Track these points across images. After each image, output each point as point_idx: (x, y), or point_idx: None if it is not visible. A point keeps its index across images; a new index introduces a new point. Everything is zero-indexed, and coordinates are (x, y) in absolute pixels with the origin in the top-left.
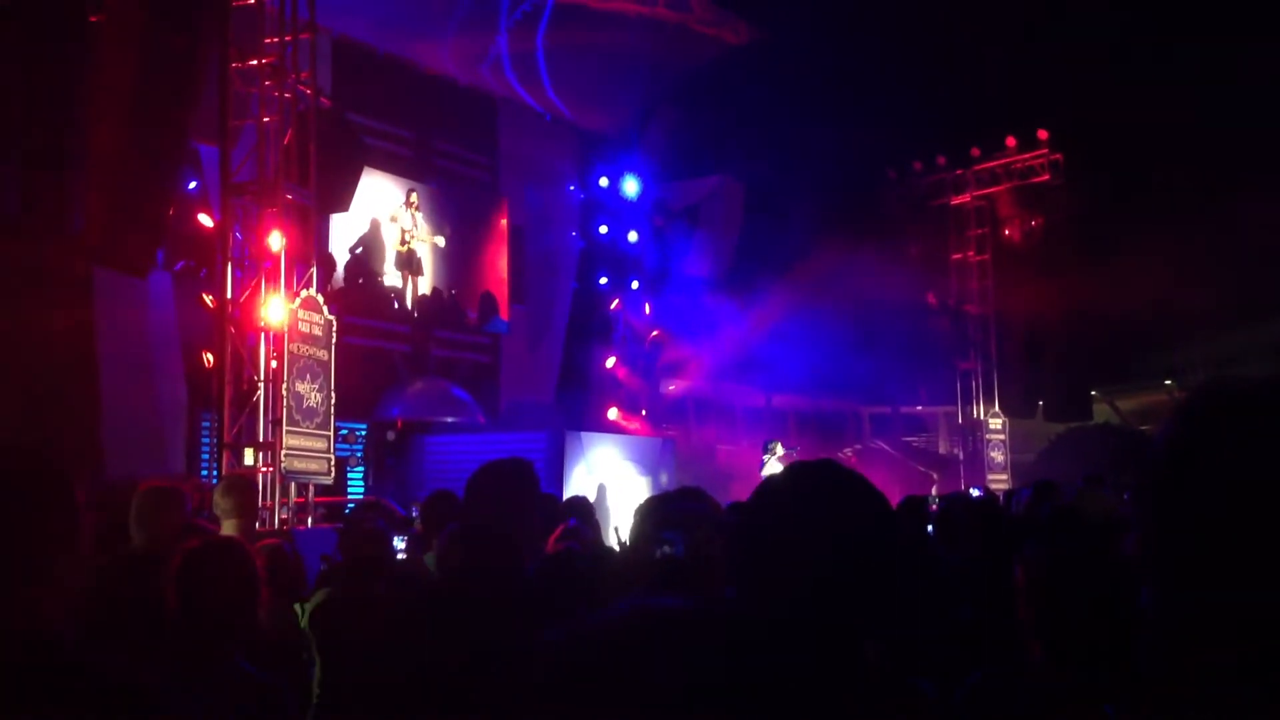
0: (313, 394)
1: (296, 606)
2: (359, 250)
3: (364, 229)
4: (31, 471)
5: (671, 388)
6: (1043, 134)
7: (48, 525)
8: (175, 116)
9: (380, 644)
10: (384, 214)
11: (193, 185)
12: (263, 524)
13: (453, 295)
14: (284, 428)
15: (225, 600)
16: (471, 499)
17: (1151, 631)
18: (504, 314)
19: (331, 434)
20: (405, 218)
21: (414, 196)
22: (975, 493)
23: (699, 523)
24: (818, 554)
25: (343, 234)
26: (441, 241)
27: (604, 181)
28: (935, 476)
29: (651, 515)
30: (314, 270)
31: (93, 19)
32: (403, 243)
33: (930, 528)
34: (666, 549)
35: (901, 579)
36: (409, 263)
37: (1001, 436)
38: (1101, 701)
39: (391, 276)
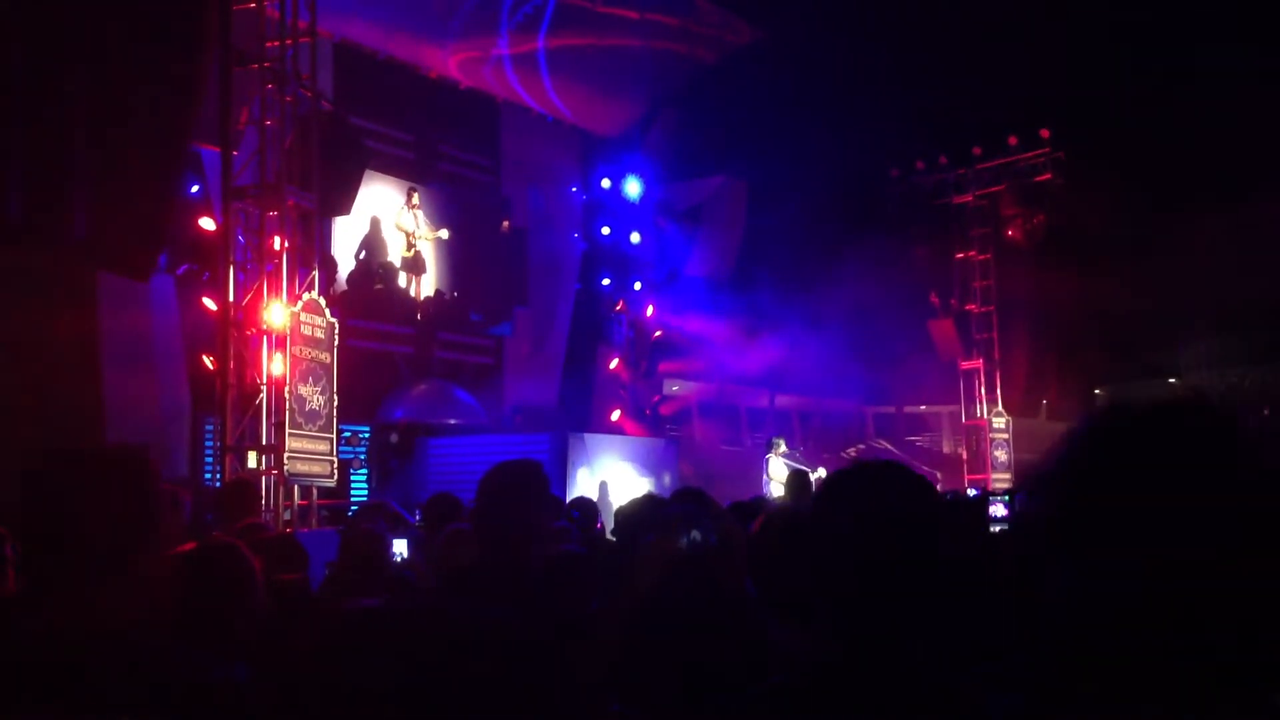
0: (315, 397)
1: None
2: (361, 254)
3: (365, 230)
4: (107, 467)
5: (675, 389)
6: (1044, 133)
7: (123, 520)
8: (177, 120)
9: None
10: (385, 215)
11: (195, 189)
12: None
13: (455, 296)
14: (287, 431)
15: (220, 605)
16: (482, 500)
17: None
18: (507, 315)
19: (334, 436)
20: (407, 219)
21: (415, 197)
22: (973, 492)
23: (723, 513)
24: (869, 550)
25: (344, 236)
26: (445, 234)
27: (606, 183)
28: (939, 476)
29: (653, 510)
30: (316, 273)
31: (94, 24)
32: (409, 246)
33: None
34: (696, 535)
35: (949, 578)
36: (413, 264)
37: (1005, 436)
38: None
39: (395, 277)
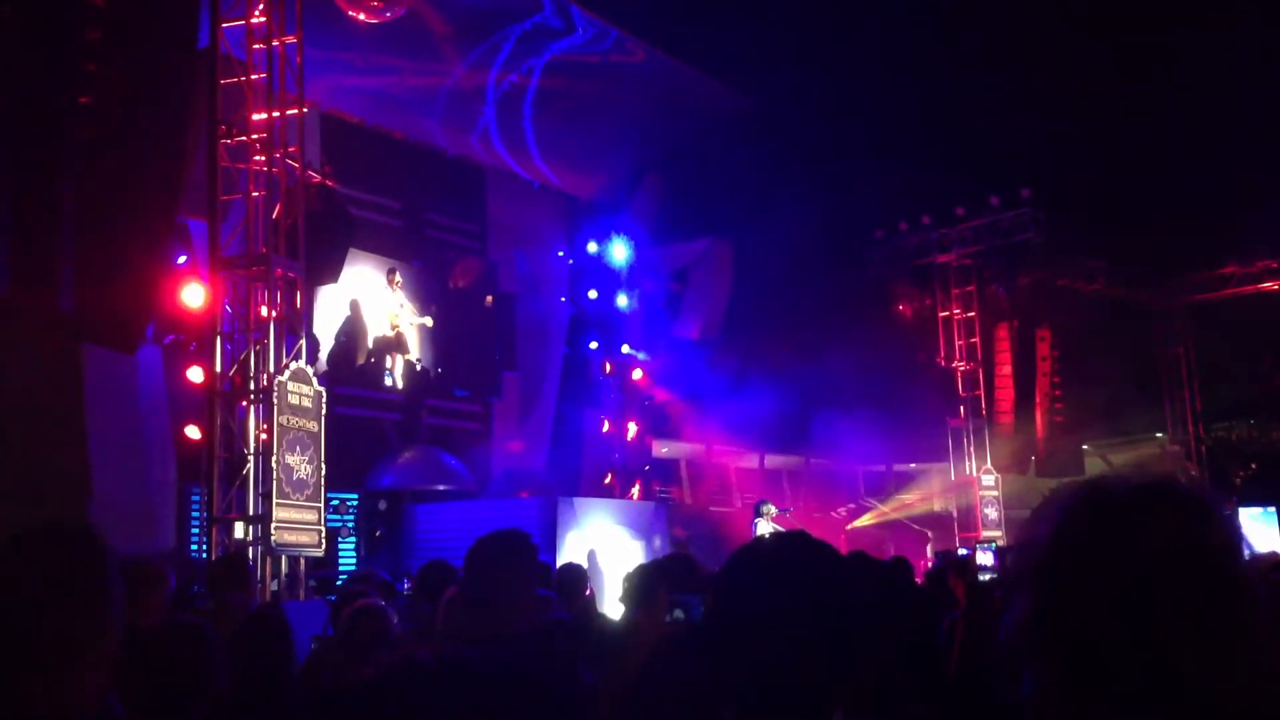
0: (303, 466)
1: None
2: (342, 338)
3: (347, 312)
4: (56, 554)
5: (664, 450)
6: (1025, 193)
7: (74, 609)
8: (164, 193)
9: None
10: (367, 296)
11: (182, 260)
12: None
13: (439, 372)
14: (274, 500)
15: (178, 684)
16: (470, 571)
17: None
18: (494, 390)
19: (322, 505)
20: (390, 300)
21: (397, 275)
22: (963, 551)
23: (710, 584)
24: (783, 627)
25: (328, 308)
26: (429, 322)
27: (593, 246)
28: (930, 534)
29: (651, 581)
30: (303, 342)
31: (83, 100)
32: (392, 327)
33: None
34: (679, 614)
35: (865, 648)
36: (396, 344)
37: (995, 493)
38: None
39: (377, 359)
